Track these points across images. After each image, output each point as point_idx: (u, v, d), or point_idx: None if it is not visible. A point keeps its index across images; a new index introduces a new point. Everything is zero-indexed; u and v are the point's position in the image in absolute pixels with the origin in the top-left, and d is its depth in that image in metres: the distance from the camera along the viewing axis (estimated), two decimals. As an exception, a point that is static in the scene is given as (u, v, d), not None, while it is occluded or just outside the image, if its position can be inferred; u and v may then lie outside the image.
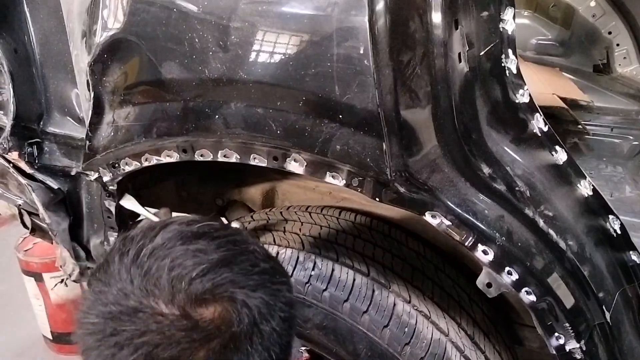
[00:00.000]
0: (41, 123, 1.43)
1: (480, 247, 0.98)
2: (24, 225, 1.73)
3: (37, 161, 1.42)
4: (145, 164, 1.18)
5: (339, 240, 1.30)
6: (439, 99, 0.95)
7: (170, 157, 1.14)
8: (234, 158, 1.08)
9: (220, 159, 1.09)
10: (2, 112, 1.42)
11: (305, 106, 0.96)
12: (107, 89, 1.15)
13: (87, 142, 1.22)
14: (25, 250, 2.55)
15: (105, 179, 1.26)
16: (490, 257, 0.98)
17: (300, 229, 1.34)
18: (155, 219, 1.32)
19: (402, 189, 0.96)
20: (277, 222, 1.40)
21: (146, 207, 1.39)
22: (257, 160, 1.06)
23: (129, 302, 0.61)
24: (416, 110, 0.95)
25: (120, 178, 1.26)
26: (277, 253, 1.25)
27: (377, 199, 0.98)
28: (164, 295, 0.61)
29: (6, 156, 1.37)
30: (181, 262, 0.62)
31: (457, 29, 0.96)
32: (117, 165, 1.22)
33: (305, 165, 1.01)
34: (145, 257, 0.63)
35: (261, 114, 0.99)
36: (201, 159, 1.11)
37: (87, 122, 1.21)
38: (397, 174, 0.95)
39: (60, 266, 1.52)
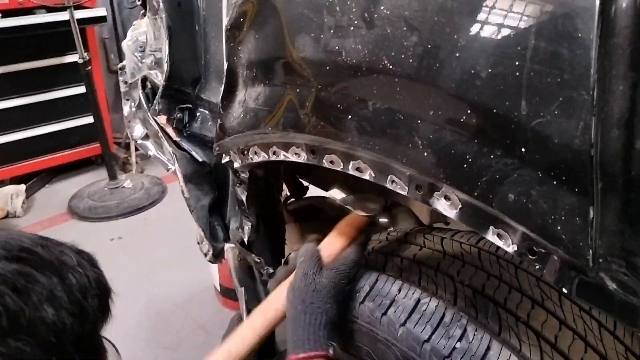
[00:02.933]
0: (197, 88, 1.31)
1: None
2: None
3: (186, 128, 1.30)
4: (273, 157, 0.95)
5: (508, 304, 0.92)
6: None
7: (298, 155, 0.90)
8: (367, 175, 0.78)
9: (352, 171, 0.81)
10: (159, 70, 1.32)
11: (469, 124, 0.61)
12: (241, 60, 0.95)
13: (219, 120, 1.03)
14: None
15: (236, 165, 1.07)
16: None
17: (458, 272, 1.00)
18: None
19: (611, 285, 0.57)
20: (431, 254, 1.07)
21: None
22: (396, 185, 0.75)
23: None
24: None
25: (250, 167, 1.06)
26: (419, 300, 0.94)
27: (564, 289, 0.61)
28: None
29: (156, 119, 1.27)
30: None
31: None
32: (246, 152, 1.02)
33: (460, 208, 0.67)
34: None
35: (405, 123, 0.68)
36: (330, 166, 0.84)
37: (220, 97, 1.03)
38: (606, 260, 0.56)
39: (198, 243, 1.43)
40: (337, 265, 0.96)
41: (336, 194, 1.03)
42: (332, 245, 1.01)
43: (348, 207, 1.02)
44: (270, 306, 0.97)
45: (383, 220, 1.00)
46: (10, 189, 3.76)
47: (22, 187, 3.87)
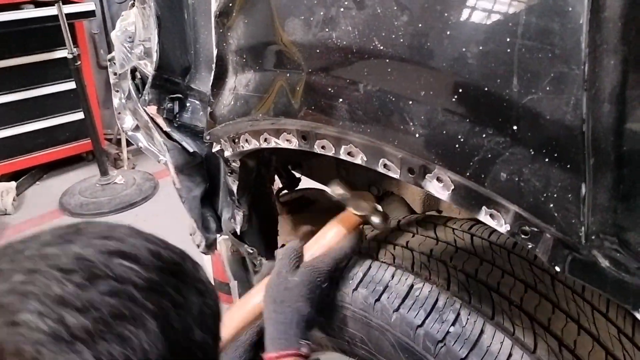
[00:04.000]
0: (187, 77, 1.29)
1: None
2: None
3: (176, 119, 1.29)
4: (264, 144, 0.95)
5: (501, 288, 0.93)
6: None
7: (289, 142, 0.89)
8: (359, 159, 0.78)
9: (343, 156, 0.80)
10: (149, 60, 1.31)
11: (461, 103, 0.61)
12: (231, 46, 0.94)
13: (209, 108, 1.02)
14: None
15: (227, 153, 1.07)
16: None
17: (451, 258, 1.00)
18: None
19: (604, 262, 0.57)
20: (424, 241, 1.07)
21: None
22: (388, 169, 0.74)
23: None
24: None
25: (241, 155, 1.05)
26: (412, 286, 0.94)
27: (557, 267, 0.61)
28: None
29: (146, 109, 1.26)
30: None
31: None
32: (237, 140, 1.01)
33: (452, 190, 0.67)
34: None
35: (397, 105, 0.67)
36: (322, 151, 0.84)
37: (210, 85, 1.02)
38: (599, 237, 0.56)
39: (190, 234, 1.42)
40: (314, 263, 0.95)
41: (335, 189, 1.03)
42: (318, 244, 1.00)
43: (343, 203, 1.03)
44: (248, 301, 0.98)
45: (375, 219, 1.01)
46: (1, 186, 3.73)
47: (13, 184, 3.84)
